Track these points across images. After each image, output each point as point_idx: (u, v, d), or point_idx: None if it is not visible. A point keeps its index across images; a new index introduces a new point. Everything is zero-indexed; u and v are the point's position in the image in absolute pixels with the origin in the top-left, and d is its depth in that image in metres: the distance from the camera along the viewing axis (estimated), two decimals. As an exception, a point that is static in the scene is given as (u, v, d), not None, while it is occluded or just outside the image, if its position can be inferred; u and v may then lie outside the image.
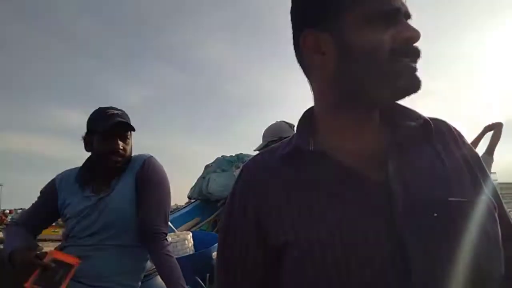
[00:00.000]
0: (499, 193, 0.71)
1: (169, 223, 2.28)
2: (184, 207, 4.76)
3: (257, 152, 2.65)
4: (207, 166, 4.47)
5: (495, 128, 3.80)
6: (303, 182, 0.63)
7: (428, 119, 0.67)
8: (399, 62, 0.60)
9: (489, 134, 3.91)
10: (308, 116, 0.72)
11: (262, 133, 2.67)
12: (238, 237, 0.67)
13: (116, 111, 1.49)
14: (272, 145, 0.74)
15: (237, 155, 4.41)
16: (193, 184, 4.58)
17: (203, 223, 4.04)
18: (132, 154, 1.57)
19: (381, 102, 0.66)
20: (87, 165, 1.53)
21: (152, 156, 1.57)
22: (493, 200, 0.65)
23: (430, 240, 0.57)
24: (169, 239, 1.90)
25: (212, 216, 4.09)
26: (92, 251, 1.37)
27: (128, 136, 1.51)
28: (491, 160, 3.79)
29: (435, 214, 0.58)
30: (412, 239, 0.57)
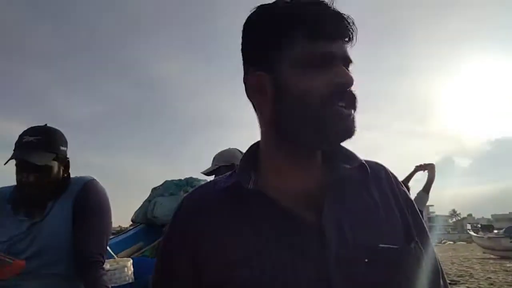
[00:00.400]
0: (430, 226, 0.75)
1: (109, 248, 2.16)
2: (127, 231, 4.54)
3: (205, 175, 2.65)
4: (154, 189, 4.33)
5: (429, 169, 4.18)
6: (240, 221, 0.63)
7: (365, 162, 0.69)
8: (331, 108, 0.60)
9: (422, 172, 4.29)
10: (253, 151, 0.72)
11: (214, 156, 2.65)
12: (174, 271, 0.66)
13: (31, 138, 1.35)
14: (216, 178, 0.75)
15: (186, 179, 4.32)
16: (138, 206, 4.41)
17: (146, 248, 3.87)
18: (74, 176, 1.49)
19: (316, 146, 0.67)
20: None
21: (93, 179, 1.49)
22: (423, 248, 0.66)
23: (359, 286, 0.58)
24: (107, 266, 1.80)
25: (156, 242, 3.92)
26: (23, 280, 1.26)
27: (50, 164, 1.37)
28: (427, 197, 4.13)
29: (366, 260, 0.59)
30: (342, 285, 0.57)
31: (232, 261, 0.60)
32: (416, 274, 0.62)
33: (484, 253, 14.17)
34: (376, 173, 0.72)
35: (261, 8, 0.66)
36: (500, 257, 12.61)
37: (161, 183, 4.45)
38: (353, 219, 0.63)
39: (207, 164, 2.66)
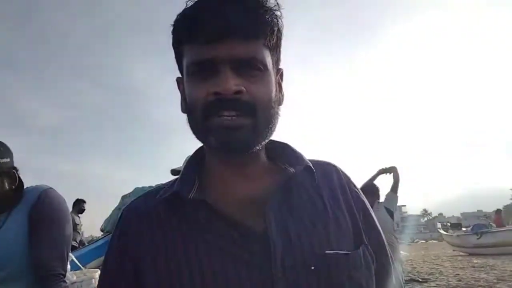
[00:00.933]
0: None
1: (76, 259, 2.09)
2: (96, 241, 4.43)
3: (173, 174, 2.59)
4: (124, 197, 4.24)
5: (393, 171, 4.36)
6: (181, 232, 0.60)
7: (311, 164, 0.66)
8: (213, 120, 0.57)
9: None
10: (197, 157, 0.69)
11: (186, 157, 2.61)
12: (115, 284, 0.63)
13: None
14: (158, 186, 0.71)
15: (157, 186, 4.25)
16: (108, 215, 4.30)
17: (116, 258, 3.77)
18: (29, 185, 1.43)
19: (219, 156, 0.63)
20: None
21: (49, 188, 1.43)
22: (373, 252, 0.65)
23: None
24: (74, 278, 1.74)
25: (127, 251, 3.83)
26: None
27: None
28: (396, 197, 4.30)
29: (313, 267, 0.57)
30: None
31: (174, 276, 0.57)
32: (366, 279, 0.61)
33: (453, 250, 14.59)
34: (326, 174, 0.69)
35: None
36: (469, 254, 13.02)
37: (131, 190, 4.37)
38: (300, 225, 0.61)
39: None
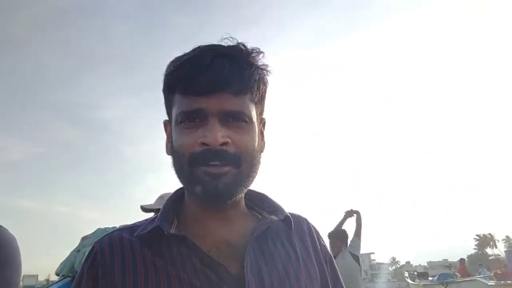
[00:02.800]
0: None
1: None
2: (51, 285, 4.11)
3: (144, 211, 2.50)
4: (84, 238, 3.99)
5: (356, 216, 4.48)
6: (157, 268, 0.61)
7: (290, 215, 0.70)
8: (197, 168, 0.59)
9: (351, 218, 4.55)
10: (178, 195, 0.71)
11: (160, 195, 2.54)
12: None
13: None
14: (135, 222, 0.71)
15: (123, 225, 4.08)
16: (65, 258, 4.04)
17: (71, 305, 3.51)
18: None
19: (201, 203, 0.65)
20: None
21: (0, 227, 1.34)
22: None
23: None
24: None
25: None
26: None
27: None
28: (359, 241, 4.40)
29: None
30: None
31: None
32: None
33: (420, 300, 14.60)
34: (299, 226, 0.73)
35: (168, 64, 0.67)
36: (435, 304, 13.06)
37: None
38: (274, 270, 0.63)
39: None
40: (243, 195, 0.68)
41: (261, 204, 0.72)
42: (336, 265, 0.77)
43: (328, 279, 0.70)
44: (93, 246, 0.66)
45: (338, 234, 4.36)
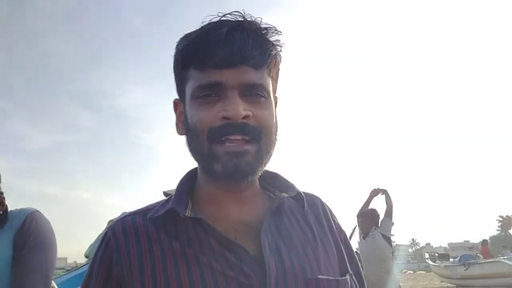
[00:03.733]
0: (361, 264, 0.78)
1: (56, 286, 2.02)
2: (80, 267, 4.28)
3: (166, 196, 2.56)
4: (110, 221, 4.14)
5: (385, 195, 4.31)
6: (174, 251, 0.59)
7: (302, 192, 0.69)
8: (219, 144, 0.57)
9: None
10: (190, 176, 0.69)
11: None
12: None
13: None
14: (147, 205, 0.70)
15: (145, 207, 4.17)
16: (93, 241, 4.19)
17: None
18: (14, 208, 1.39)
19: (220, 180, 0.62)
20: None
21: (36, 211, 1.38)
22: (355, 280, 0.68)
23: None
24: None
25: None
26: None
27: None
28: (391, 223, 4.22)
29: None
30: None
31: None
32: None
33: (441, 281, 14.48)
34: (313, 204, 0.72)
35: (179, 40, 0.65)
36: (456, 286, 12.94)
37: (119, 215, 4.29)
38: (292, 249, 0.62)
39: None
40: (259, 174, 0.66)
41: (274, 183, 0.71)
42: (352, 245, 0.76)
43: (345, 258, 0.69)
44: (106, 232, 0.65)
45: (368, 214, 4.21)
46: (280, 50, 0.64)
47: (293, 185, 0.70)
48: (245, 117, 0.57)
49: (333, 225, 0.72)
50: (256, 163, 0.59)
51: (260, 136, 0.59)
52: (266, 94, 0.61)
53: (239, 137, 0.57)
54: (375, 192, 4.39)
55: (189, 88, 0.62)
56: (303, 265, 0.61)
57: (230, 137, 0.57)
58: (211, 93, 0.59)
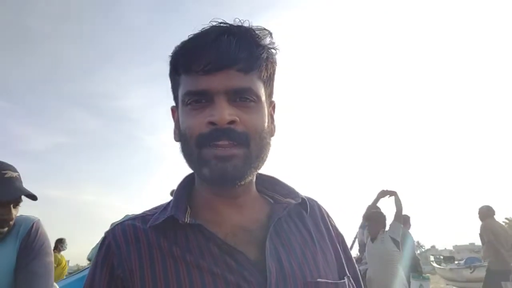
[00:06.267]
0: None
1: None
2: (82, 270, 4.27)
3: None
4: (113, 225, 4.15)
5: (394, 198, 4.24)
6: (175, 257, 0.59)
7: (305, 198, 0.70)
8: (205, 150, 0.58)
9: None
10: (188, 182, 0.70)
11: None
12: None
13: (13, 174, 1.36)
14: (146, 211, 0.70)
15: (144, 212, 4.16)
16: (96, 244, 4.18)
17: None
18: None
19: (211, 186, 0.63)
20: None
21: (39, 220, 1.47)
22: (353, 283, 0.69)
23: None
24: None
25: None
26: None
27: (20, 202, 1.39)
28: (401, 226, 4.16)
29: None
30: None
31: None
32: None
33: (447, 284, 14.44)
34: (311, 208, 0.72)
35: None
36: (462, 288, 12.89)
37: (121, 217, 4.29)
38: (292, 253, 0.63)
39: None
40: (254, 179, 0.66)
41: (272, 187, 0.71)
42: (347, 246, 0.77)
43: (343, 262, 0.70)
44: (105, 236, 0.64)
45: (376, 217, 4.14)
46: (274, 53, 0.64)
47: (294, 189, 0.70)
48: (232, 122, 0.58)
49: (331, 228, 0.73)
50: (244, 167, 0.59)
51: (248, 141, 0.59)
52: (255, 98, 0.61)
53: (226, 142, 0.57)
54: (383, 194, 4.33)
55: (180, 95, 0.63)
56: (302, 269, 0.62)
57: (218, 143, 0.57)
58: (200, 98, 0.59)
